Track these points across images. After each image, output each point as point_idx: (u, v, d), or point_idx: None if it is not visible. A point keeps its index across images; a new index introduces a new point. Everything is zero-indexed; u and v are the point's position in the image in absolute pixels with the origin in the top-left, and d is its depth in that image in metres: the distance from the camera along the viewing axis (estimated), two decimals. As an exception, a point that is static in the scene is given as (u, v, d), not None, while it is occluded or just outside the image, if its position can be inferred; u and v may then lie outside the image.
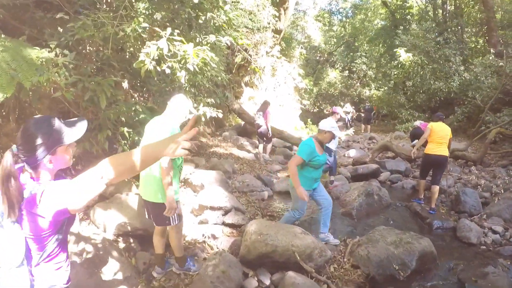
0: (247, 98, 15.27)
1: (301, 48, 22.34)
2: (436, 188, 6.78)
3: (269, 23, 14.35)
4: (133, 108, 4.96)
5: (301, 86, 19.28)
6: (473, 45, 20.48)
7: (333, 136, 4.80)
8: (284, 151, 12.31)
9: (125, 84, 5.98)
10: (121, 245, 4.43)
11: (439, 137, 6.83)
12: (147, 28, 4.40)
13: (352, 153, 13.06)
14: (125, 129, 4.92)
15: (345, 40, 34.85)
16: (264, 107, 10.11)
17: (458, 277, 4.59)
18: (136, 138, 5.20)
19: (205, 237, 5.09)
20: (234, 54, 11.91)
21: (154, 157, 1.56)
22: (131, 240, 4.54)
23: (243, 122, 13.13)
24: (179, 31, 4.31)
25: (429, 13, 22.89)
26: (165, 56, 4.17)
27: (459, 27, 19.33)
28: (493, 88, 13.66)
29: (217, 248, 4.92)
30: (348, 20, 36.10)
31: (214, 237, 5.13)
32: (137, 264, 4.19)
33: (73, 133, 1.85)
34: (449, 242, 5.76)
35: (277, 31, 16.34)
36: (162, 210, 3.54)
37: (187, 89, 5.37)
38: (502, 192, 7.08)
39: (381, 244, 4.64)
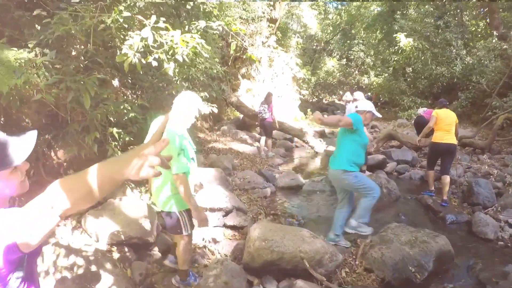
0: (245, 90, 14.93)
1: (298, 37, 21.94)
2: (447, 179, 6.43)
3: (263, 13, 14.00)
4: (122, 107, 4.61)
5: (299, 76, 18.92)
6: (474, 28, 20.04)
7: (373, 117, 4.61)
8: (284, 143, 12.02)
9: (116, 82, 5.63)
10: (115, 255, 4.10)
11: (446, 124, 6.51)
12: (132, 18, 4.03)
13: (355, 142, 12.74)
14: (115, 129, 4.58)
15: (342, 28, 34.41)
16: (268, 100, 9.85)
17: (478, 278, 4.29)
18: (127, 138, 4.88)
19: (205, 241, 4.77)
20: (229, 45, 11.54)
21: (112, 181, 1.14)
22: (126, 250, 4.21)
23: (241, 115, 12.77)
24: (165, 20, 3.92)
25: (427, -4, 22.41)
26: (150, 47, 3.80)
27: (459, 10, 18.85)
28: (498, 72, 13.27)
29: (219, 253, 4.61)
30: (343, 8, 35.53)
31: (215, 241, 4.81)
32: (133, 276, 3.87)
33: (19, 152, 1.42)
34: (465, 238, 5.43)
35: (272, 21, 15.99)
36: (173, 220, 3.42)
37: (178, 82, 4.98)
38: (517, 182, 6.73)
39: (395, 245, 4.29)
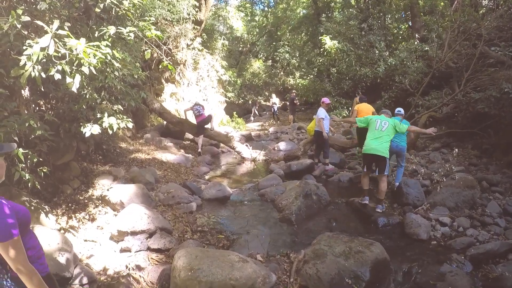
0: (169, 95, 14.33)
1: (223, 39, 21.60)
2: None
3: (189, 14, 13.54)
4: (27, 124, 4.00)
5: (224, 78, 18.62)
6: (396, 31, 20.89)
7: None
8: (210, 149, 11.67)
9: (26, 92, 4.94)
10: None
11: (366, 114, 7.00)
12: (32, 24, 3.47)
13: (282, 145, 12.68)
14: (20, 150, 3.96)
15: (268, 29, 34.58)
16: (198, 103, 11.19)
17: (416, 281, 4.30)
18: (36, 160, 4.27)
19: (129, 269, 4.32)
20: (152, 48, 11.00)
21: None
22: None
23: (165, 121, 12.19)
24: (70, 25, 3.40)
25: (351, 0, 23.07)
26: (53, 58, 3.26)
27: (381, 14, 19.54)
28: (419, 72, 13.86)
29: (144, 281, 4.18)
30: (270, 10, 35.87)
31: (139, 268, 4.38)
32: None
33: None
34: (399, 241, 5.42)
35: (197, 22, 15.56)
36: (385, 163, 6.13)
37: (87, 96, 4.41)
38: (444, 180, 6.89)
39: (329, 258, 4.15)
